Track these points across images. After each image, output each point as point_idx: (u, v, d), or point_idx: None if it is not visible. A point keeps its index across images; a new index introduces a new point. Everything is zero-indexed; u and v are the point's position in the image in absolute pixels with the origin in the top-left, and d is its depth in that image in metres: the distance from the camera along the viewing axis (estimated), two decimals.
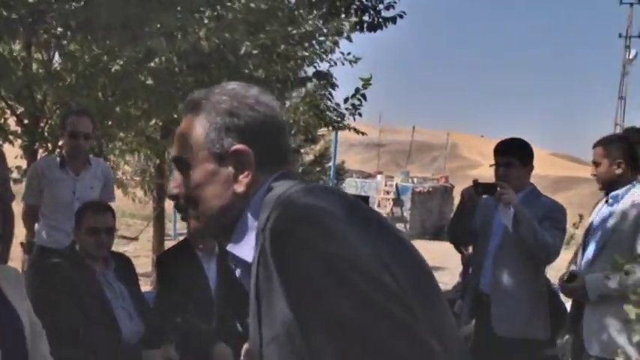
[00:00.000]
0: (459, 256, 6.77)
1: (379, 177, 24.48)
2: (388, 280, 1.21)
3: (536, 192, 4.04)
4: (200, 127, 1.45)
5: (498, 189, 3.81)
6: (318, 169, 18.97)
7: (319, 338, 1.19)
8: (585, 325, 3.79)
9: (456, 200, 20.31)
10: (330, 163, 17.72)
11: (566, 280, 3.87)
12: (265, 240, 1.26)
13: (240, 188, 1.43)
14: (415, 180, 24.25)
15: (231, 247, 1.44)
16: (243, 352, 1.66)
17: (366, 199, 22.76)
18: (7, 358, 3.03)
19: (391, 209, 22.18)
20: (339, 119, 8.35)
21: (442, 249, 19.15)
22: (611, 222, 3.82)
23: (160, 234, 10.36)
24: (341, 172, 22.05)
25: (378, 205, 22.60)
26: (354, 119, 8.21)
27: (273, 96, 1.53)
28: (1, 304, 3.11)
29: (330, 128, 10.43)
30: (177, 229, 15.28)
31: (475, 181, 3.98)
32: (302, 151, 11.54)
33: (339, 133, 15.23)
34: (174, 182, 1.52)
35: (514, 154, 3.98)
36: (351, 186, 23.15)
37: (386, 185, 23.01)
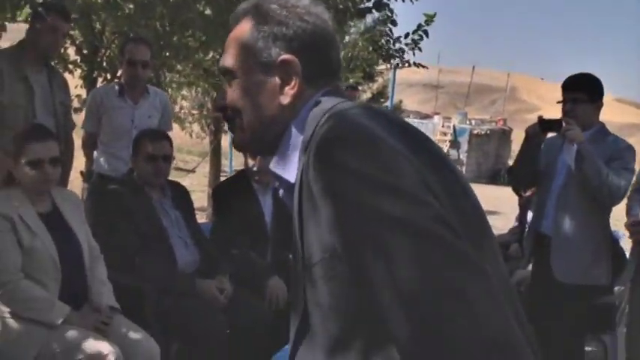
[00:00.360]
0: (513, 200, 6.63)
1: (436, 118, 24.17)
2: (435, 204, 1.13)
3: (605, 131, 3.85)
4: (248, 36, 1.40)
5: (564, 125, 3.67)
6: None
7: (363, 263, 1.11)
8: None
9: (514, 144, 20.14)
10: (388, 102, 17.52)
11: (633, 225, 3.77)
12: (309, 158, 1.20)
13: (285, 99, 1.38)
14: (473, 122, 23.84)
15: (274, 166, 1.40)
16: None
17: None
18: (67, 279, 3.09)
19: (447, 151, 21.93)
20: (398, 54, 8.16)
21: (497, 193, 19.01)
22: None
23: (216, 169, 10.44)
24: (398, 112, 21.82)
25: None
26: (414, 54, 8.02)
27: (324, 8, 1.47)
28: (61, 227, 3.17)
29: (389, 66, 10.25)
30: (233, 165, 15.38)
31: (540, 117, 3.84)
32: (360, 88, 11.37)
33: (398, 72, 15.02)
34: (224, 93, 1.48)
35: (582, 89, 3.80)
36: None
37: (443, 126, 22.71)
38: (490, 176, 22.50)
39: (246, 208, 4.26)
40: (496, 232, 7.34)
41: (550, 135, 3.91)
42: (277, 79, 1.38)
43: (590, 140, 3.67)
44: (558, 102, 3.89)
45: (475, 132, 22.43)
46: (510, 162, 24.14)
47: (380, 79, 20.01)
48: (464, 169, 21.66)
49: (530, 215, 5.94)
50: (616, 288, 4.33)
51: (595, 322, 3.83)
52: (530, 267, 4.42)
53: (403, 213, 1.10)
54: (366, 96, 17.86)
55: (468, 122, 23.28)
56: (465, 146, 21.97)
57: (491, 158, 23.09)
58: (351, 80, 9.91)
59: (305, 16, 1.40)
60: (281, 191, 1.43)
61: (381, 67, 11.49)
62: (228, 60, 1.43)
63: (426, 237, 1.09)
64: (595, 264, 3.74)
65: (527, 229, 5.78)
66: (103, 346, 2.86)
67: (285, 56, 1.36)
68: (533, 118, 4.20)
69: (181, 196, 3.96)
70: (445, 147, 22.10)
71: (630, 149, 3.77)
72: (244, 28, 1.41)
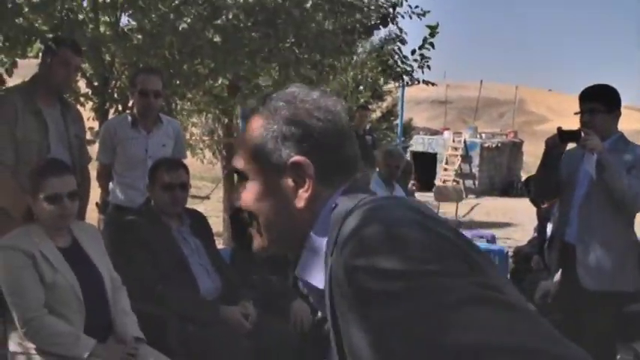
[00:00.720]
0: (529, 212, 6.58)
1: (446, 133, 24.07)
2: (480, 273, 1.08)
3: (624, 139, 3.85)
4: (257, 136, 1.34)
5: (582, 135, 3.66)
6: (385, 125, 18.80)
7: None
8: None
9: (526, 156, 20.08)
10: (397, 121, 17.53)
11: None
12: (337, 267, 1.14)
13: (300, 203, 1.30)
14: (483, 135, 23.73)
15: (300, 273, 1.34)
16: None
17: (434, 155, 22.52)
18: (91, 312, 3.07)
19: (459, 166, 21.85)
20: (407, 71, 8.17)
21: (511, 205, 18.96)
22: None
23: (230, 193, 10.42)
24: (408, 129, 21.83)
25: (446, 162, 22.31)
26: (423, 72, 8.03)
27: (336, 99, 1.40)
28: (81, 260, 3.15)
29: (397, 84, 10.26)
30: None
31: (559, 129, 3.83)
32: (370, 107, 11.39)
33: (406, 90, 15.03)
34: (237, 194, 1.41)
35: (598, 100, 3.79)
36: (419, 143, 22.86)
37: (454, 141, 22.64)
38: (503, 189, 22.41)
39: None
40: (514, 243, 7.35)
41: (570, 146, 3.89)
42: (290, 182, 1.31)
43: (610, 149, 3.67)
44: (576, 113, 3.88)
45: (486, 145, 22.33)
46: (523, 174, 24.11)
47: (389, 98, 20.04)
48: (476, 182, 21.59)
49: (549, 227, 5.90)
50: None
51: (626, 331, 3.77)
52: (555, 277, 4.38)
53: (460, 291, 1.03)
54: (375, 115, 17.88)
55: (478, 136, 23.20)
56: (476, 160, 21.86)
57: (503, 171, 22.97)
58: (361, 100, 9.94)
59: (315, 112, 1.33)
60: (311, 298, 1.38)
61: (390, 85, 11.52)
62: (239, 161, 1.38)
63: (487, 302, 1.03)
64: (621, 270, 3.71)
65: (547, 240, 5.75)
66: None
67: (296, 158, 1.30)
68: (542, 130, 4.22)
69: (200, 223, 3.95)
70: (457, 162, 22.05)
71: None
72: (253, 128, 1.36)
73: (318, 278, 1.28)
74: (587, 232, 3.76)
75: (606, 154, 3.58)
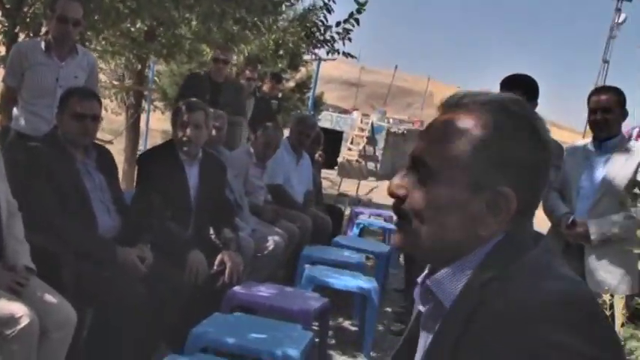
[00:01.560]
0: None
1: (355, 114, 24.30)
2: None
3: None
4: (469, 145, 1.18)
5: None
6: (297, 96, 18.73)
7: None
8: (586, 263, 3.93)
9: None
10: (310, 94, 17.50)
11: (569, 226, 3.92)
12: (492, 314, 1.09)
13: (484, 232, 1.18)
14: (391, 120, 24.12)
15: (433, 284, 1.22)
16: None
17: (340, 134, 22.66)
18: None
19: (364, 147, 22.10)
20: (328, 40, 8.16)
21: None
22: (605, 171, 3.94)
23: (133, 144, 10.17)
24: (318, 104, 21.82)
25: (352, 142, 22.51)
26: (344, 44, 8.05)
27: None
28: None
29: (314, 57, 10.25)
30: (147, 144, 15.02)
31: None
32: (284, 77, 11.31)
33: (321, 66, 15.02)
34: (402, 181, 1.25)
35: (518, 89, 3.89)
36: (327, 119, 22.93)
37: (361, 122, 22.86)
38: None
39: (170, 179, 4.15)
40: None
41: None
42: (484, 206, 1.18)
43: None
44: None
45: (392, 130, 22.67)
46: None
47: (304, 70, 20.00)
48: (378, 165, 21.89)
49: None
50: None
51: None
52: None
53: None
54: (289, 85, 17.78)
55: (386, 121, 23.52)
56: (381, 144, 22.15)
57: (406, 157, 23.27)
58: (279, 65, 9.84)
59: (539, 145, 1.20)
60: (422, 307, 1.30)
61: (307, 57, 11.47)
62: (431, 156, 1.21)
63: None
64: None
65: None
66: (17, 308, 2.69)
67: (506, 190, 1.17)
68: None
69: (105, 159, 3.81)
70: (362, 143, 22.27)
71: (558, 148, 3.92)
72: (470, 132, 1.19)
73: (447, 297, 1.20)
74: None
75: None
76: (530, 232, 1.24)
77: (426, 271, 1.30)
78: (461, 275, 1.20)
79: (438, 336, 1.22)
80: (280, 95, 9.31)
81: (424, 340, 1.31)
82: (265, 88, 8.76)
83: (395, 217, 1.28)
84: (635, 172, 3.87)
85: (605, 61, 30.63)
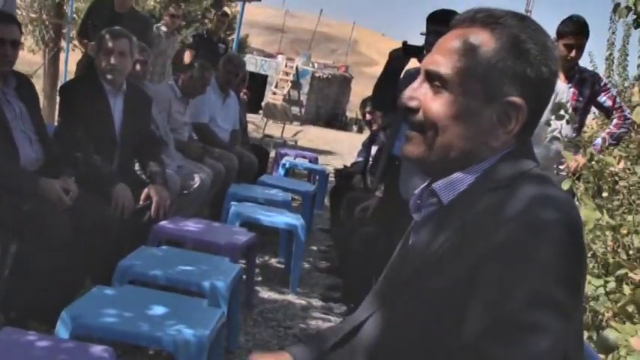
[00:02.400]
0: (349, 143, 6.81)
1: (280, 57, 24.09)
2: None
3: None
4: (484, 58, 1.24)
5: (425, 52, 3.78)
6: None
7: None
8: None
9: (354, 90, 20.62)
10: (234, 36, 17.18)
11: None
12: (500, 225, 1.16)
13: (495, 142, 1.26)
14: (316, 65, 24.03)
15: (438, 186, 1.31)
16: None
17: (264, 77, 22.45)
18: None
19: (288, 91, 22.00)
20: None
21: (334, 136, 19.56)
22: None
23: (53, 80, 9.81)
24: (243, 47, 21.52)
25: (276, 86, 22.36)
26: None
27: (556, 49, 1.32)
28: None
29: None
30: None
31: (404, 42, 3.92)
32: (209, 16, 11.07)
33: (245, 10, 14.77)
34: (414, 91, 1.31)
35: (445, 23, 3.92)
36: (251, 63, 22.60)
37: (286, 66, 22.70)
38: (328, 120, 22.90)
39: (94, 110, 4.03)
40: (336, 166, 7.53)
41: (413, 67, 4.01)
42: (495, 117, 1.25)
43: None
44: (422, 33, 3.98)
45: (317, 75, 22.61)
46: (348, 110, 24.73)
47: (228, 11, 19.60)
48: (302, 110, 21.86)
49: (374, 150, 6.14)
50: None
51: None
52: (377, 192, 4.58)
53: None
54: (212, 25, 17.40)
55: (311, 65, 23.41)
56: (306, 88, 22.08)
57: (330, 102, 23.41)
58: (204, 3, 9.61)
59: (549, 62, 1.26)
60: (417, 216, 1.40)
61: None
62: (447, 68, 1.27)
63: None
64: None
65: (370, 162, 5.98)
66: None
67: (517, 100, 1.24)
68: (371, 72, 4.38)
69: (26, 87, 3.65)
70: (286, 87, 22.15)
71: None
72: (485, 45, 1.25)
73: (448, 195, 1.29)
74: None
75: None
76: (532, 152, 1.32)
77: (425, 183, 1.39)
78: (465, 180, 1.28)
79: (433, 231, 1.29)
80: (224, 37, 9.17)
81: (417, 237, 1.38)
82: (212, 27, 8.63)
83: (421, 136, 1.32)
84: (550, 107, 4.03)
85: (528, 11, 31.17)
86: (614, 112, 4.75)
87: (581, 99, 4.70)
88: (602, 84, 4.78)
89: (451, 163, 1.29)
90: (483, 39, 1.25)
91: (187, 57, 7.93)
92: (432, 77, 1.28)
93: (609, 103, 4.75)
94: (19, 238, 3.22)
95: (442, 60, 1.28)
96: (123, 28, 5.39)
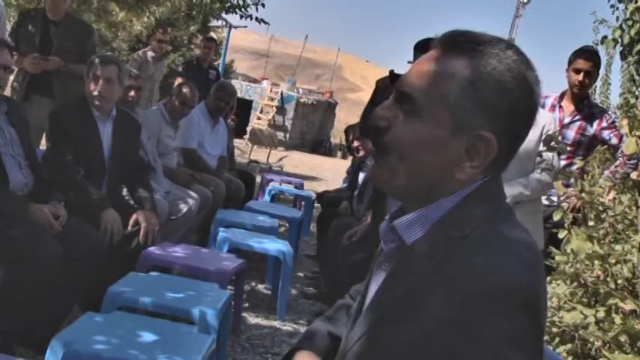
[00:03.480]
0: (334, 170, 6.86)
1: (265, 83, 24.20)
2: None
3: None
4: (457, 86, 1.18)
5: None
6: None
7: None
8: None
9: (338, 116, 20.76)
10: (220, 61, 17.28)
11: None
12: (454, 271, 1.12)
13: (461, 176, 1.20)
14: (301, 90, 24.16)
15: (400, 226, 1.25)
16: None
17: (249, 103, 22.52)
18: None
19: (273, 116, 22.07)
20: (241, 5, 8.10)
21: (319, 162, 19.61)
22: None
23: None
24: (228, 72, 21.59)
25: (261, 111, 22.43)
26: (257, 9, 8.01)
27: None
28: None
29: (224, 23, 10.15)
30: None
31: (391, 71, 3.97)
32: (195, 41, 11.12)
33: (230, 35, 14.89)
34: (385, 111, 1.25)
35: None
36: (236, 88, 22.75)
37: (271, 92, 22.80)
38: (313, 146, 22.98)
39: (84, 135, 4.04)
40: (320, 190, 7.55)
41: None
42: (462, 149, 1.19)
43: None
44: (409, 62, 4.05)
45: (302, 100, 22.73)
46: (332, 135, 24.81)
47: (214, 36, 19.72)
48: (287, 135, 21.93)
49: (361, 177, 6.17)
50: None
51: None
52: (364, 220, 4.60)
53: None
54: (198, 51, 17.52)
55: (296, 90, 23.53)
56: (291, 113, 22.18)
57: (315, 128, 23.52)
58: (192, 28, 9.67)
59: (527, 94, 1.20)
60: (386, 246, 1.33)
61: (218, 23, 11.32)
62: (419, 92, 1.21)
63: None
64: None
65: (358, 189, 6.01)
66: None
67: (487, 134, 1.18)
68: (354, 98, 4.46)
69: (16, 112, 3.65)
70: (271, 112, 22.23)
71: None
72: (460, 73, 1.19)
73: (411, 236, 1.23)
74: None
75: None
76: (500, 188, 1.28)
77: (396, 209, 1.33)
78: (427, 220, 1.23)
79: (392, 275, 1.26)
80: (213, 63, 9.24)
81: (378, 279, 1.34)
82: (200, 55, 8.71)
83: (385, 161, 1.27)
84: (539, 138, 4.06)
85: (511, 39, 31.50)
86: (620, 151, 4.68)
87: (586, 134, 4.68)
88: (610, 121, 4.73)
89: (415, 192, 1.25)
90: (459, 66, 1.19)
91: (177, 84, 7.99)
92: (403, 99, 1.23)
93: (615, 141, 4.69)
94: (7, 263, 3.20)
95: (415, 83, 1.23)
96: (59, 36, 5.23)
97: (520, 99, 1.19)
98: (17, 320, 3.21)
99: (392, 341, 1.18)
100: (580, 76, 4.50)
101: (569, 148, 4.56)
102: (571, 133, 4.65)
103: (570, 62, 4.57)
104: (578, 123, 4.63)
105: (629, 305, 2.15)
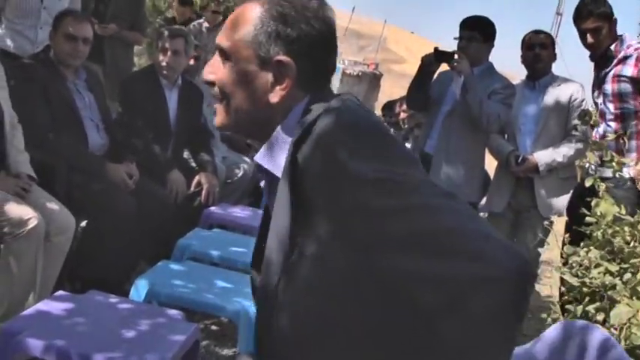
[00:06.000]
0: None
1: None
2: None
3: (493, 69, 4.28)
4: (251, 26, 1.39)
5: (456, 57, 4.06)
6: None
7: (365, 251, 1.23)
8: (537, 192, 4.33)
9: (383, 88, 20.66)
10: None
11: (518, 164, 4.26)
12: (314, 159, 1.29)
13: (274, 98, 1.40)
14: (346, 62, 24.21)
15: (261, 160, 1.43)
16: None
17: None
18: None
19: None
20: None
21: None
22: (542, 107, 4.33)
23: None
24: None
25: None
26: None
27: (332, 9, 1.46)
28: None
29: None
30: None
31: (436, 48, 4.20)
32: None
33: None
34: (211, 67, 1.47)
35: (477, 29, 4.21)
36: None
37: None
38: None
39: (151, 102, 4.35)
40: None
41: (446, 69, 4.28)
42: (270, 76, 1.39)
43: (479, 75, 4.10)
44: (455, 38, 4.27)
45: (347, 72, 22.78)
46: (377, 106, 24.85)
47: None
48: None
49: (408, 145, 6.40)
50: (481, 214, 4.85)
51: None
52: None
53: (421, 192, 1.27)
54: None
55: (341, 62, 23.59)
56: (336, 84, 22.30)
57: (360, 99, 23.58)
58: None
59: (311, 21, 1.40)
60: (263, 182, 1.54)
61: None
62: (226, 41, 1.43)
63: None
64: (469, 182, 4.18)
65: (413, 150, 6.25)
66: (26, 211, 2.92)
67: (282, 57, 1.38)
68: (399, 70, 4.65)
69: (94, 79, 3.99)
70: None
71: (512, 87, 4.25)
72: (251, 16, 1.40)
73: (277, 168, 1.38)
74: (445, 144, 4.19)
75: (472, 77, 4.01)
76: (331, 97, 1.43)
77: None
78: (283, 145, 1.39)
79: (276, 204, 1.38)
80: None
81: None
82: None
83: (223, 103, 1.46)
84: (569, 104, 4.26)
85: (559, 14, 31.08)
86: None
87: (623, 79, 3.80)
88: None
89: (248, 127, 1.46)
90: (251, 12, 1.40)
91: None
92: (220, 51, 1.44)
93: None
94: (88, 214, 3.54)
95: (224, 34, 1.43)
96: (113, 4, 5.37)
97: (305, 23, 1.39)
98: (95, 268, 3.55)
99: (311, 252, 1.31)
100: (588, 39, 3.89)
101: (612, 105, 3.86)
102: (608, 87, 3.87)
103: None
104: (611, 72, 3.86)
105: None
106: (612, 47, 3.87)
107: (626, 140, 3.66)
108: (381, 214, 1.23)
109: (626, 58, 3.80)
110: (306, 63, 1.40)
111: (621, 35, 3.91)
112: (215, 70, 1.45)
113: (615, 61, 3.84)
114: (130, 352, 2.05)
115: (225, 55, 1.43)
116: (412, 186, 1.27)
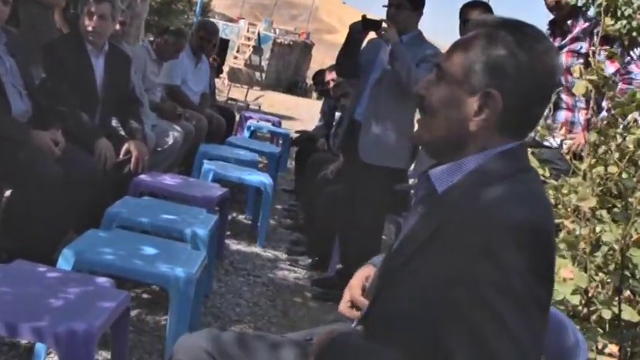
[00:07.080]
0: (310, 109, 7.03)
1: (242, 22, 24.11)
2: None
3: (422, 37, 4.28)
4: (472, 53, 1.46)
5: (384, 25, 4.07)
6: (185, 0, 18.43)
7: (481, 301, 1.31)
8: None
9: (314, 57, 20.87)
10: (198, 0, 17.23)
11: None
12: (486, 220, 1.35)
13: (472, 127, 1.46)
14: (277, 31, 24.12)
15: (435, 177, 1.52)
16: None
17: (226, 42, 22.46)
18: None
19: (249, 56, 22.09)
20: None
21: (295, 102, 19.77)
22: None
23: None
24: (206, 11, 21.48)
25: (237, 51, 22.41)
26: None
27: (556, 55, 1.52)
28: None
29: None
30: None
31: (363, 16, 4.20)
32: None
33: None
34: (426, 82, 1.56)
35: (477, 8, 4.28)
36: None
37: (248, 32, 22.77)
38: (288, 86, 23.08)
39: (77, 68, 4.23)
40: (298, 129, 7.81)
41: (376, 37, 4.29)
42: (475, 106, 1.45)
43: (407, 43, 4.10)
44: (384, 6, 4.28)
45: (279, 41, 22.75)
46: (308, 75, 24.89)
47: None
48: (263, 75, 21.99)
49: (337, 116, 6.44)
50: (411, 181, 4.92)
51: (394, 205, 4.31)
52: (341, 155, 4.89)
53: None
54: None
55: (272, 31, 23.49)
56: (267, 53, 22.22)
57: (291, 69, 23.60)
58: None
59: (535, 63, 1.44)
60: (419, 192, 1.61)
61: None
62: (445, 60, 1.51)
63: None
64: (397, 148, 4.18)
65: (334, 127, 6.28)
66: None
67: (491, 90, 1.43)
68: (330, 39, 4.64)
69: (15, 42, 3.83)
70: (248, 52, 22.23)
71: (440, 55, 4.26)
72: (476, 44, 1.46)
73: (442, 185, 1.51)
74: (373, 111, 4.19)
75: (399, 45, 4.02)
76: (524, 155, 1.54)
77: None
78: (458, 172, 1.49)
79: (427, 214, 1.54)
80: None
81: (411, 219, 1.63)
82: None
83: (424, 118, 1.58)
84: None
85: None
86: (618, 75, 4.15)
87: (578, 58, 4.27)
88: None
89: (440, 145, 1.54)
90: (479, 39, 1.47)
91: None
92: (438, 69, 1.54)
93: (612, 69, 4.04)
94: (13, 182, 3.44)
95: (447, 53, 1.53)
96: None
97: (526, 65, 1.43)
98: (21, 238, 3.46)
99: (429, 269, 1.44)
100: None
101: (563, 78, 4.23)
102: (562, 61, 4.20)
103: None
104: (566, 47, 4.34)
105: None
106: (569, 22, 4.24)
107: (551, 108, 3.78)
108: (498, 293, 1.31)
109: (580, 35, 4.14)
110: (513, 103, 1.44)
111: (580, 8, 4.22)
112: (429, 86, 1.53)
113: (570, 37, 4.18)
114: (57, 320, 2.01)
115: (442, 73, 1.51)
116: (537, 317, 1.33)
